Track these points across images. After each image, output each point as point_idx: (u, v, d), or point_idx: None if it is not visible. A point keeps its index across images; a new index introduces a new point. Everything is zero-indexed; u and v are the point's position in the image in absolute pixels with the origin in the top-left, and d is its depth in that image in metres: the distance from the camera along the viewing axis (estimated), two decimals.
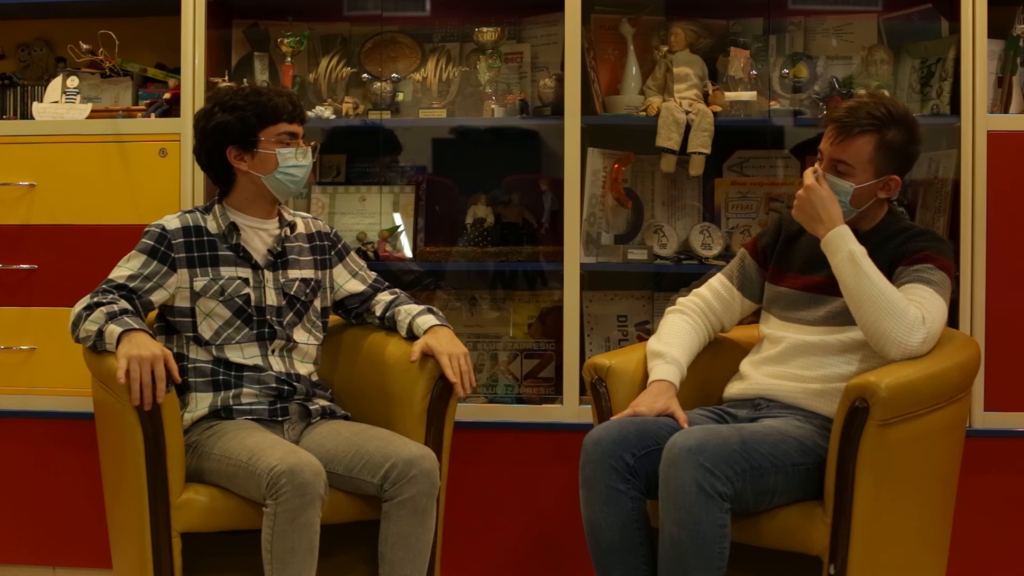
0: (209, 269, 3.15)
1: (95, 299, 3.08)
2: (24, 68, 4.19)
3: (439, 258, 3.96)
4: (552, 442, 3.69)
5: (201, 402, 3.13)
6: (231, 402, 3.12)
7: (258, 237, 3.22)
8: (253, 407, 3.13)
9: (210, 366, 3.14)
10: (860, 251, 2.95)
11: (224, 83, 3.83)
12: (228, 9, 4.01)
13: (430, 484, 2.98)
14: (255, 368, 3.14)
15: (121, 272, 3.14)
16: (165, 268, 3.13)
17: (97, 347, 3.04)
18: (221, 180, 3.23)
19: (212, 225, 3.19)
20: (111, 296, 3.08)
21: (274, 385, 3.14)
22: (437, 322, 3.24)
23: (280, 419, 3.14)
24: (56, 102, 3.85)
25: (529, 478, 3.72)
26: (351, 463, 3.01)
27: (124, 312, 3.04)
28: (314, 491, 2.86)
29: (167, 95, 3.90)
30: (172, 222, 3.18)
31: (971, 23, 3.52)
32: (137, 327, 2.99)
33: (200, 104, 3.73)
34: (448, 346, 3.15)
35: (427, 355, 3.15)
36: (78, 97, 3.85)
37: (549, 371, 3.94)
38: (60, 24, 4.12)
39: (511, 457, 3.73)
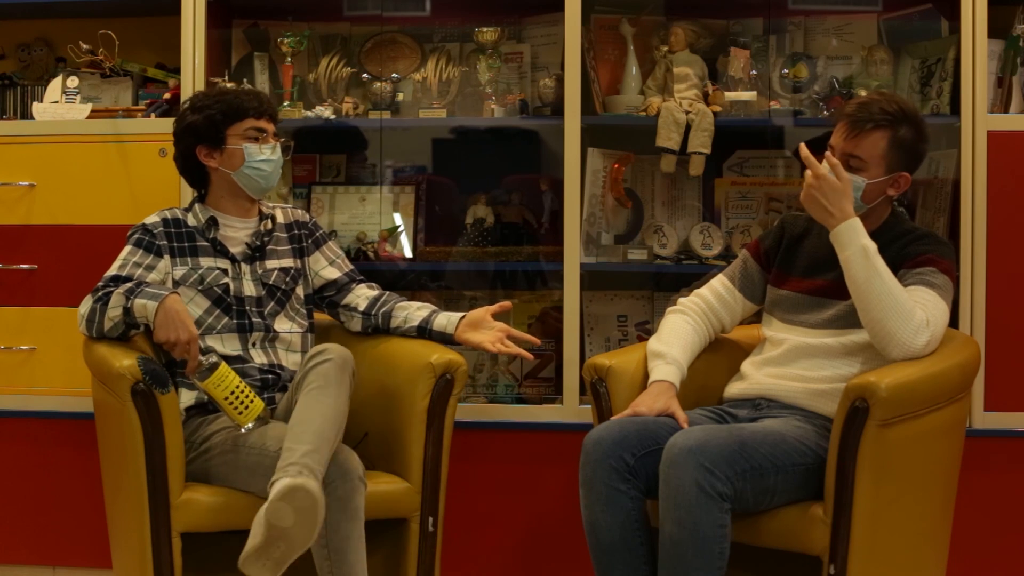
0: (188, 259, 3.22)
1: (100, 293, 3.09)
2: (24, 68, 4.19)
3: (439, 258, 3.96)
4: (552, 442, 3.69)
5: (184, 391, 3.14)
6: None
7: (237, 232, 3.28)
8: None
9: None
10: (872, 247, 2.92)
11: (223, 84, 3.84)
12: (228, 9, 4.01)
13: (339, 363, 2.97)
14: (237, 359, 3.16)
15: (114, 269, 3.18)
16: (152, 255, 3.20)
17: (127, 326, 3.05)
18: (197, 182, 3.33)
19: (192, 220, 3.27)
20: (115, 286, 3.09)
21: (258, 376, 3.17)
22: (460, 314, 3.30)
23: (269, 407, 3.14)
24: (56, 102, 3.85)
25: (529, 478, 3.71)
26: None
27: (141, 284, 3.07)
28: (356, 473, 2.91)
29: (167, 95, 3.90)
30: (151, 219, 3.27)
31: (971, 23, 3.52)
32: (167, 292, 3.03)
33: None
34: (489, 334, 3.25)
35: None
36: (78, 97, 3.85)
37: (549, 371, 3.94)
38: (60, 24, 4.11)
39: (511, 457, 3.73)
